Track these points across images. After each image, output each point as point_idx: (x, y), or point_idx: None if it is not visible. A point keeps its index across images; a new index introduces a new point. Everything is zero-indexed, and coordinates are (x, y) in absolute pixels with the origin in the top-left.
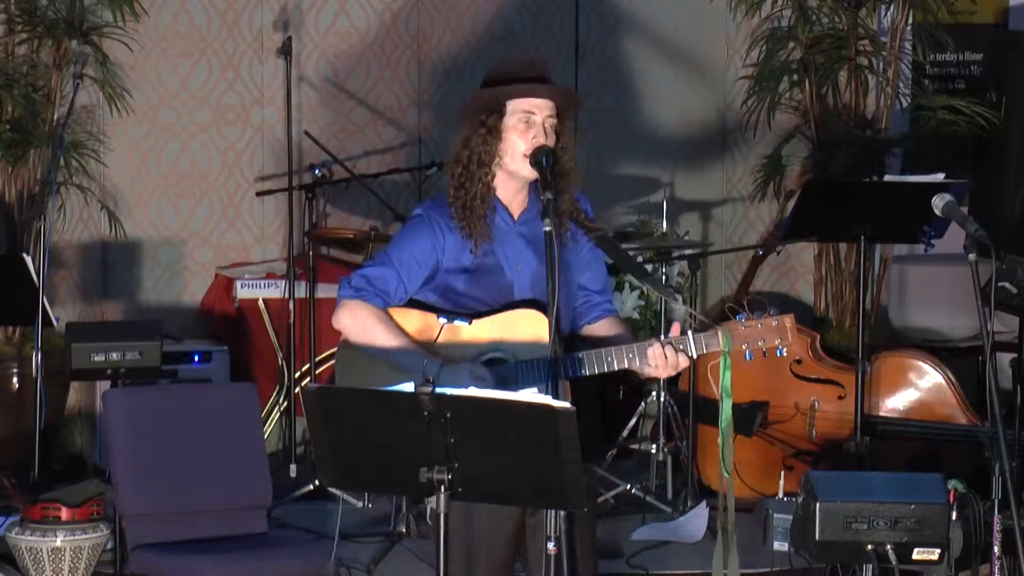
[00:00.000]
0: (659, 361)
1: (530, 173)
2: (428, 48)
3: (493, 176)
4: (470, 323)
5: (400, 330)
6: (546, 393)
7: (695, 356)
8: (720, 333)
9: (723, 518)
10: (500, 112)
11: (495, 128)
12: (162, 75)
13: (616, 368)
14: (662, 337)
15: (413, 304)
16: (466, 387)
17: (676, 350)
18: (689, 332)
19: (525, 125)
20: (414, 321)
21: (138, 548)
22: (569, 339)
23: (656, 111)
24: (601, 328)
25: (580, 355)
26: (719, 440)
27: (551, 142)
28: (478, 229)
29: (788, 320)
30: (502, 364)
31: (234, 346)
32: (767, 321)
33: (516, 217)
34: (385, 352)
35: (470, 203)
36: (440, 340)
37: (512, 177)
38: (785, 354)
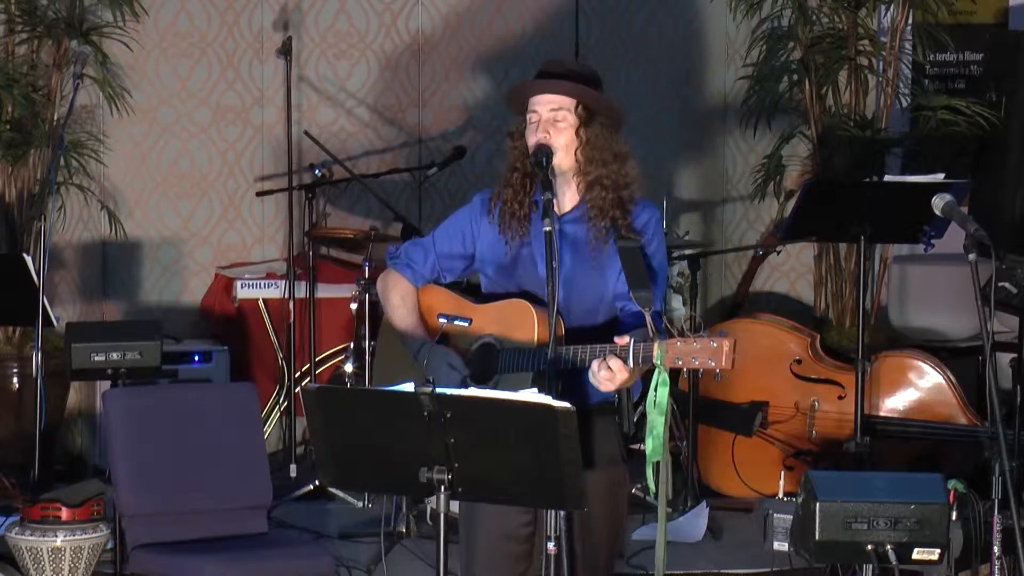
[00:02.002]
0: (596, 376)
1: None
2: (428, 48)
3: (528, 179)
4: (470, 323)
5: (412, 304)
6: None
7: (631, 365)
8: (656, 347)
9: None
10: (523, 115)
11: (519, 130)
12: (162, 75)
13: (578, 366)
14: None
15: (454, 287)
16: (440, 374)
17: (609, 365)
18: (631, 342)
19: (531, 124)
20: (437, 302)
21: (138, 548)
22: (580, 335)
23: (656, 111)
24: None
25: (547, 349)
26: (648, 454)
27: (558, 136)
28: (512, 226)
29: (726, 343)
30: (491, 349)
31: (234, 346)
32: (705, 341)
33: (560, 215)
34: (394, 322)
35: (508, 204)
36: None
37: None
38: (722, 378)
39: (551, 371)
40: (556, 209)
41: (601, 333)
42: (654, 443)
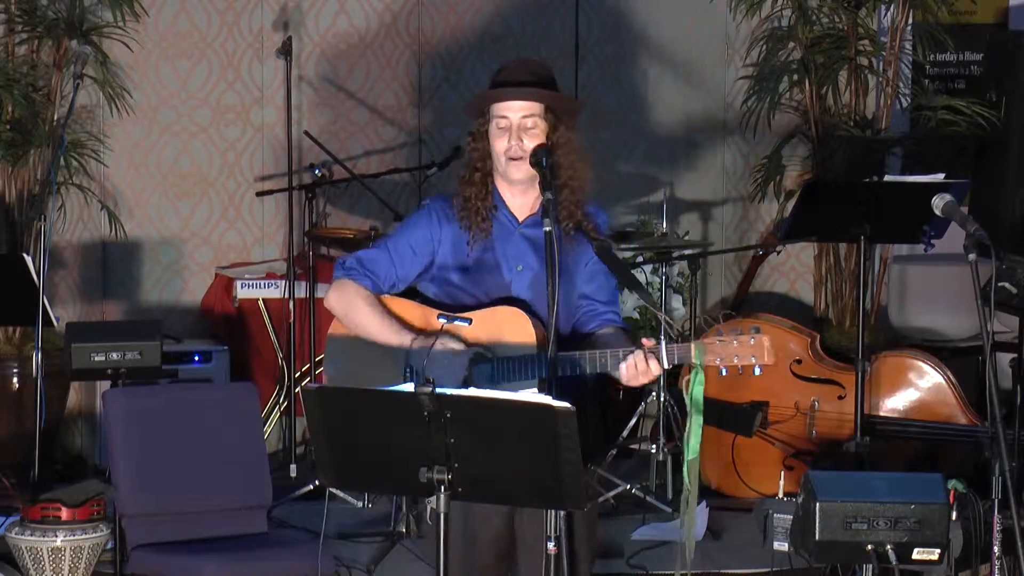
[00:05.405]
0: (630, 371)
1: (516, 173)
2: (428, 48)
3: (489, 178)
4: (470, 324)
5: (383, 309)
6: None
7: (667, 366)
8: (693, 347)
9: (684, 543)
10: (486, 116)
11: (481, 132)
12: (162, 75)
13: (588, 371)
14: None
15: (415, 297)
16: (441, 361)
17: (646, 360)
18: (663, 343)
19: (500, 130)
20: (415, 314)
21: (138, 548)
22: (565, 342)
23: (656, 111)
24: (600, 334)
25: (555, 355)
26: (684, 450)
27: (531, 141)
28: (477, 224)
29: (766, 340)
30: (483, 361)
31: (234, 346)
32: (743, 339)
33: (521, 219)
34: (366, 331)
35: (471, 201)
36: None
37: (506, 179)
38: (760, 372)
39: (553, 374)
40: (516, 215)
41: (569, 334)
42: (694, 442)
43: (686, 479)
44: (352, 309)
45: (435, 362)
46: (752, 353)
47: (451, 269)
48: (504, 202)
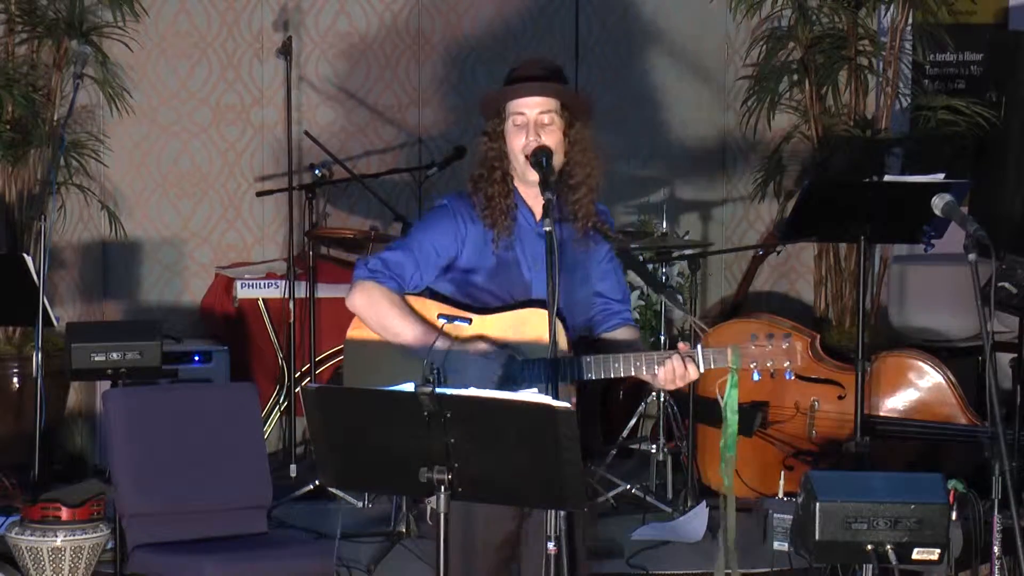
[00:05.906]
0: (669, 375)
1: (533, 174)
2: (428, 48)
3: (509, 177)
4: (470, 323)
5: (412, 312)
6: (547, 393)
7: (702, 370)
8: (730, 351)
9: (724, 536)
10: (501, 116)
11: (496, 132)
12: (162, 75)
13: (622, 375)
14: (663, 338)
15: (428, 295)
16: (471, 368)
17: (685, 364)
18: (699, 347)
19: (517, 127)
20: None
21: (138, 548)
22: (580, 342)
23: (656, 111)
24: (618, 336)
25: (588, 359)
26: (721, 450)
27: (549, 137)
28: (501, 223)
29: (799, 344)
30: (511, 362)
31: (234, 346)
32: (777, 343)
33: (538, 219)
34: (396, 334)
35: (495, 200)
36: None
37: (524, 180)
38: (793, 377)
39: (554, 373)
40: (533, 215)
41: (587, 333)
42: (729, 440)
43: (723, 477)
44: (380, 313)
45: (469, 364)
46: (786, 357)
47: (474, 270)
48: (524, 201)
